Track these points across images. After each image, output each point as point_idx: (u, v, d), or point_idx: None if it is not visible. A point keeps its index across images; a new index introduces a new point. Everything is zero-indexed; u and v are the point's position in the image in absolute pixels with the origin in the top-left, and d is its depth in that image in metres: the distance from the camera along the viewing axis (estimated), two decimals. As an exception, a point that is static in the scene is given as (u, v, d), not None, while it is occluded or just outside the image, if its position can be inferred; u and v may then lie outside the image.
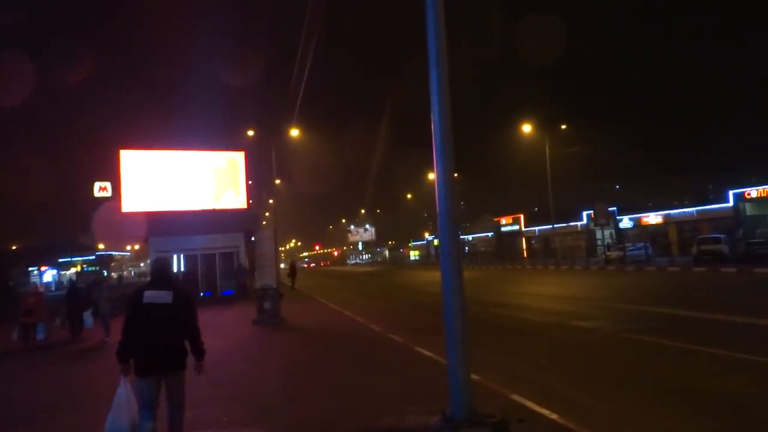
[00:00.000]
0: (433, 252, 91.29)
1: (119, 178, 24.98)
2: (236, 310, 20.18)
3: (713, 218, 39.39)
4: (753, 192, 36.33)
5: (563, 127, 42.41)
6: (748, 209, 37.76)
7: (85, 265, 72.99)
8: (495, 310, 15.64)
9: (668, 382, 7.08)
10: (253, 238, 29.75)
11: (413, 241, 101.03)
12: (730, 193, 37.85)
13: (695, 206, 41.76)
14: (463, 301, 5.09)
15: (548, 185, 40.80)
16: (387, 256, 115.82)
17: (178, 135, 28.88)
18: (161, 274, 4.80)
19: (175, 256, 26.79)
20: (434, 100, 5.03)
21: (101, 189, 24.92)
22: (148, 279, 4.92)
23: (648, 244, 40.23)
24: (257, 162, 33.91)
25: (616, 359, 8.68)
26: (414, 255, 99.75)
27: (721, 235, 33.24)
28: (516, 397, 6.32)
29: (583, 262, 40.80)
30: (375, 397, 6.84)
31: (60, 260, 70.64)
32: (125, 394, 4.61)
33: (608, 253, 40.03)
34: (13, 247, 61.26)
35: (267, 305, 14.36)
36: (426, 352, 9.33)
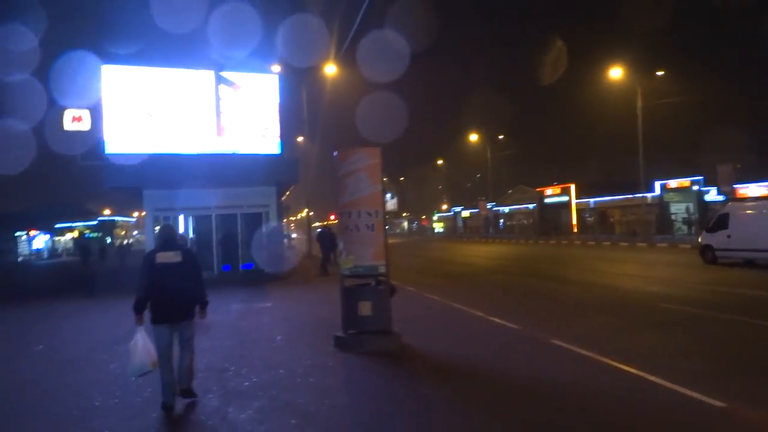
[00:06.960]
0: (460, 224, 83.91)
1: (101, 105, 17.46)
2: (281, 302, 12.76)
3: None
4: None
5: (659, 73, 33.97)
6: None
7: (86, 231, 69.08)
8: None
9: None
10: (286, 194, 22.38)
11: (437, 213, 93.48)
12: None
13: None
14: None
15: (639, 149, 32.58)
16: (406, 228, 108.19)
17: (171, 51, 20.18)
18: (168, 238, 5.53)
19: (181, 217, 19.29)
20: None
21: (75, 119, 17.31)
22: (156, 244, 5.72)
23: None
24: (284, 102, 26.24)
25: None
26: (438, 227, 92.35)
27: None
28: None
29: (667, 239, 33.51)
30: None
31: (57, 225, 64.73)
32: (142, 340, 5.10)
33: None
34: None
35: (365, 309, 6.95)
36: None
